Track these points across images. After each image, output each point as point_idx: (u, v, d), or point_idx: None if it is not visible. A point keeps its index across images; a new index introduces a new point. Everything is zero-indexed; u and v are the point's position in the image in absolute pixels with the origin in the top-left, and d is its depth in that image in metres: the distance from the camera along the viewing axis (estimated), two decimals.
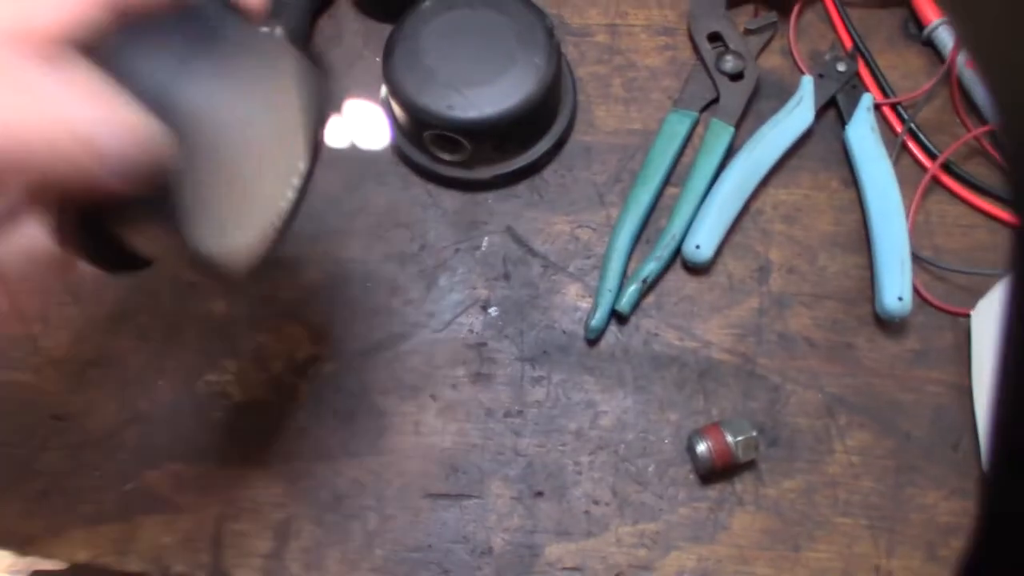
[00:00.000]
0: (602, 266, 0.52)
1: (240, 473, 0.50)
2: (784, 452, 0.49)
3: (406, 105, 0.52)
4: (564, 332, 0.52)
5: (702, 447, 0.47)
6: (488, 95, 0.51)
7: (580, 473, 0.49)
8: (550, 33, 0.52)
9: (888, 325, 0.51)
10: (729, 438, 0.47)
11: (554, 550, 0.47)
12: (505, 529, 0.48)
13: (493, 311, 0.52)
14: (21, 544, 0.51)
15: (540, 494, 0.49)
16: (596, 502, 0.48)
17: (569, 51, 0.57)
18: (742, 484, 0.48)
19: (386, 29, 0.59)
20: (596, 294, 0.51)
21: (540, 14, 0.53)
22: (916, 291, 0.51)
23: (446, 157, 0.53)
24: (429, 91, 0.51)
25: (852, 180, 0.54)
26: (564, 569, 0.47)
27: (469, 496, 0.49)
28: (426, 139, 0.53)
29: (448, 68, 0.52)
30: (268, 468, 0.50)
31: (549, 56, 0.52)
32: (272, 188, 0.33)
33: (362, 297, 0.53)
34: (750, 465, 0.48)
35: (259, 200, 0.32)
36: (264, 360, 0.52)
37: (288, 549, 0.49)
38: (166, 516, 0.50)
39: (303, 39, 0.58)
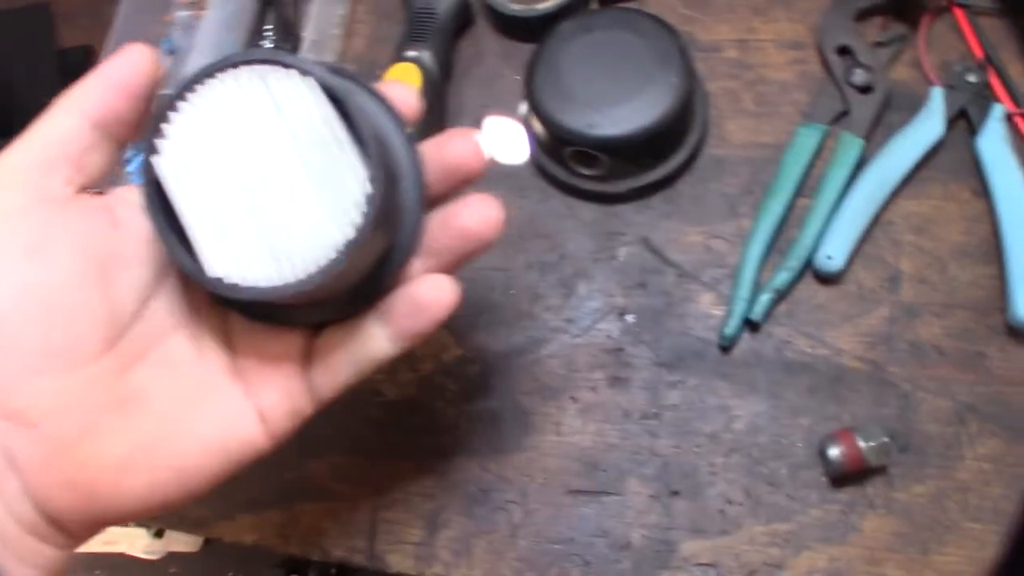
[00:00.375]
0: (735, 275, 0.54)
1: (393, 466, 0.54)
2: (914, 458, 0.50)
3: (548, 123, 0.55)
4: (698, 339, 0.54)
5: (834, 451, 0.49)
6: (626, 113, 0.54)
7: (715, 474, 0.51)
8: (685, 52, 0.55)
9: (1020, 335, 0.51)
10: (861, 443, 0.49)
11: (689, 546, 0.50)
12: (643, 525, 0.51)
13: (630, 318, 0.55)
14: (193, 526, 0.57)
15: (676, 493, 0.51)
16: (730, 502, 0.51)
17: (699, 66, 0.59)
18: (873, 488, 0.50)
19: (524, 49, 0.62)
20: (730, 302, 0.53)
21: (674, 34, 0.55)
22: None
23: (585, 172, 0.56)
24: (570, 110, 0.54)
25: (983, 191, 0.54)
26: (699, 565, 0.50)
27: (608, 493, 0.52)
28: (566, 155, 0.56)
29: (588, 88, 0.55)
30: (419, 462, 0.54)
31: (684, 74, 0.54)
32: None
33: (505, 303, 0.57)
34: (881, 470, 0.50)
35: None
36: (414, 361, 0.56)
37: (438, 538, 0.52)
38: (325, 504, 0.54)
39: (445, 59, 0.62)
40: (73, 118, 0.34)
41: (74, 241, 0.33)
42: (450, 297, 0.35)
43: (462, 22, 0.64)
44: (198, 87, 0.32)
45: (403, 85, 0.38)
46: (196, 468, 0.34)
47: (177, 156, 0.32)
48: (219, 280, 0.31)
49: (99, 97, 0.34)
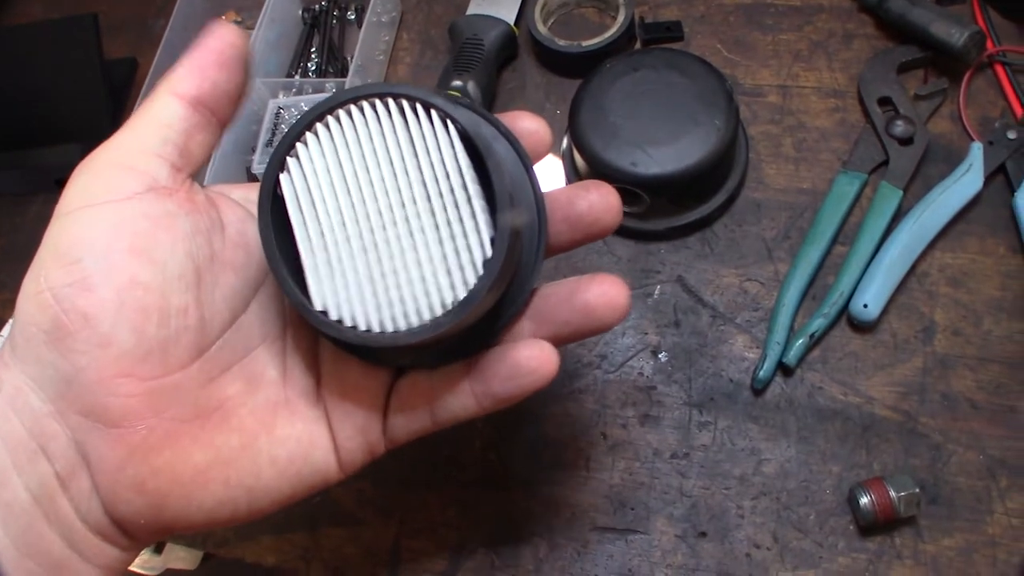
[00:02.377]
0: (770, 319, 0.54)
1: (419, 495, 0.54)
2: (944, 510, 0.50)
3: (591, 159, 0.55)
4: (731, 380, 0.54)
5: (865, 500, 0.49)
6: (670, 153, 0.54)
7: (743, 517, 0.51)
8: (730, 96, 0.55)
9: None
10: (892, 493, 0.48)
11: None
12: (668, 565, 0.51)
13: (663, 356, 0.55)
14: (215, 546, 0.56)
15: (703, 534, 0.51)
16: (757, 546, 0.50)
17: (742, 110, 0.60)
18: (901, 538, 0.50)
19: (566, 83, 0.63)
20: (764, 345, 0.54)
21: (721, 77, 0.56)
22: None
23: (624, 209, 0.56)
24: (614, 147, 0.55)
25: (1020, 247, 0.55)
26: None
27: (635, 531, 0.52)
28: None
29: (632, 126, 0.55)
30: (445, 492, 0.54)
31: (729, 118, 0.55)
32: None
33: None
34: (910, 520, 0.50)
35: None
36: None
37: (461, 568, 0.52)
38: (349, 529, 0.54)
39: (489, 90, 0.62)
40: (173, 100, 0.33)
41: (177, 241, 0.32)
42: (551, 368, 0.34)
43: (508, 54, 0.65)
44: (339, 111, 0.32)
45: (533, 117, 0.37)
46: (268, 489, 0.34)
47: (303, 178, 0.32)
48: (323, 316, 0.31)
49: (195, 74, 0.33)
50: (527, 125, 0.36)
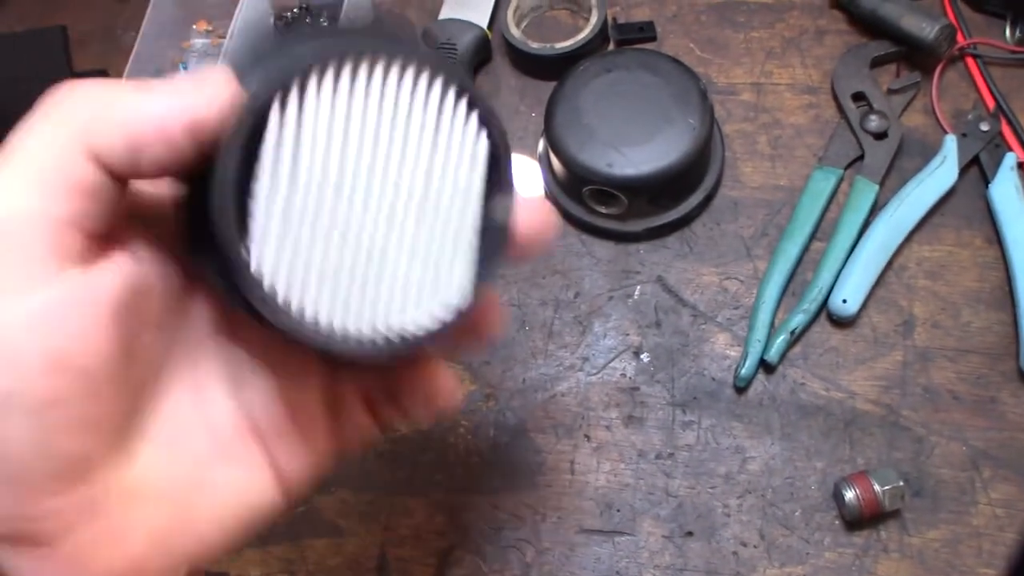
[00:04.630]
0: (751, 317, 0.54)
1: (403, 502, 0.54)
2: (928, 502, 0.50)
3: (567, 162, 0.55)
4: (713, 379, 0.54)
5: (850, 495, 0.49)
6: (646, 154, 0.54)
7: (729, 515, 0.51)
8: (704, 95, 0.55)
9: None
10: (877, 487, 0.49)
11: None
12: (656, 566, 0.51)
13: (645, 357, 0.55)
14: None
15: (690, 534, 0.51)
16: (744, 544, 0.50)
17: (716, 109, 0.60)
18: (887, 532, 0.50)
19: (540, 86, 0.63)
20: (745, 343, 0.54)
21: (694, 76, 0.56)
22: None
23: (602, 210, 0.57)
24: (590, 149, 0.55)
25: (996, 238, 0.55)
26: None
27: (622, 533, 0.52)
28: (584, 193, 0.56)
29: (607, 127, 0.55)
30: (430, 498, 0.54)
31: (703, 117, 0.55)
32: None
33: (519, 340, 0.56)
34: (895, 514, 0.50)
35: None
36: None
37: None
38: (333, 540, 0.54)
39: None
40: (84, 162, 0.25)
41: (101, 336, 0.25)
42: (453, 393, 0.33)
43: (481, 58, 0.65)
44: (377, 64, 0.26)
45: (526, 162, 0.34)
46: (213, 548, 0.30)
47: (297, 122, 0.26)
48: (265, 292, 0.26)
49: (122, 136, 0.25)
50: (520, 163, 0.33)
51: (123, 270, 0.26)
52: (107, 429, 0.27)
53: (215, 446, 0.30)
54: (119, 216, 0.27)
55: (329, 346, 0.27)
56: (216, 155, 0.25)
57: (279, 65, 0.25)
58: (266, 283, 0.26)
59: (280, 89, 0.25)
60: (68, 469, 0.26)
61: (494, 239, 0.28)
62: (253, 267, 0.25)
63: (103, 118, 0.25)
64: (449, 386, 0.33)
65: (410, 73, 0.27)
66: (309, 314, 0.26)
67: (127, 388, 0.27)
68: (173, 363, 0.30)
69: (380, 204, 0.27)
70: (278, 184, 0.25)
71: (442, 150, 0.27)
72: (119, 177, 0.25)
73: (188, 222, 0.27)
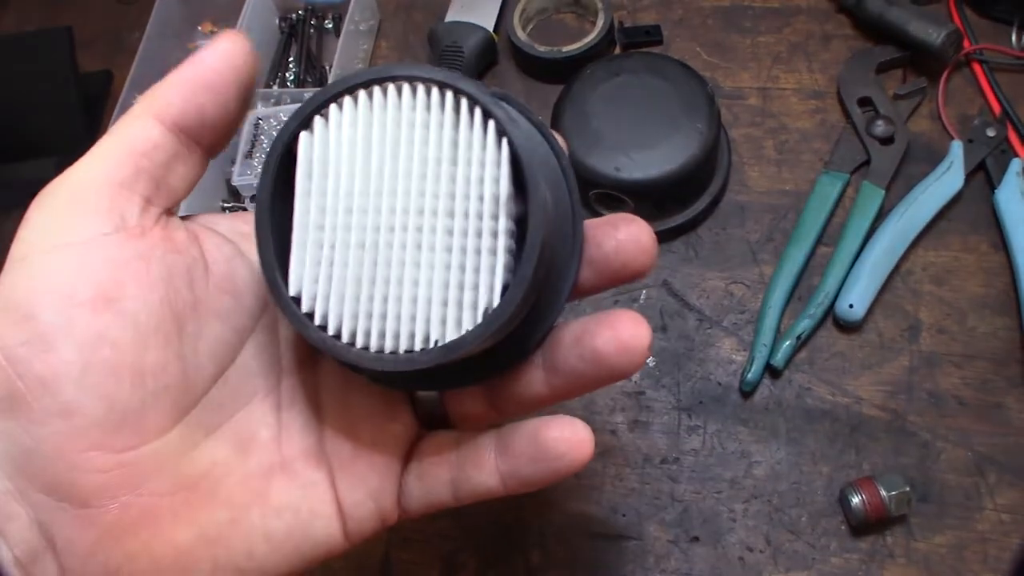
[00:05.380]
0: (757, 321, 0.54)
1: None
2: (934, 508, 0.50)
3: (574, 165, 0.54)
4: (719, 384, 0.54)
5: (856, 500, 0.49)
6: (653, 158, 0.54)
7: (735, 520, 0.51)
8: (711, 99, 0.55)
9: None
10: (883, 492, 0.49)
11: None
12: (662, 571, 0.51)
13: (651, 361, 0.55)
14: None
15: (696, 539, 0.51)
16: (750, 549, 0.50)
17: (723, 113, 0.60)
18: (893, 537, 0.50)
19: (546, 89, 0.63)
20: (751, 348, 0.54)
21: (701, 81, 0.56)
22: None
23: (608, 213, 0.57)
24: (597, 153, 0.54)
25: (1002, 243, 0.55)
26: None
27: (627, 538, 0.51)
28: (591, 197, 0.56)
29: (614, 131, 0.55)
30: None
31: (710, 121, 0.55)
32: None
33: None
34: (901, 519, 0.50)
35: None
36: None
37: None
38: None
39: None
40: (150, 124, 0.28)
41: (151, 288, 0.27)
42: (584, 452, 0.30)
43: (487, 61, 0.65)
44: (389, 84, 0.27)
45: (635, 226, 0.31)
46: (261, 568, 0.29)
47: (325, 144, 0.28)
48: (306, 317, 0.27)
49: (181, 95, 0.28)
50: (623, 236, 0.31)
51: (179, 242, 0.29)
52: (161, 391, 0.28)
53: (281, 461, 0.30)
54: (189, 184, 0.30)
55: (362, 362, 0.27)
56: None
57: (307, 102, 0.28)
58: (303, 304, 0.27)
59: (307, 115, 0.27)
60: (118, 418, 0.27)
61: (530, 241, 0.27)
62: (291, 289, 0.27)
63: (164, 83, 0.29)
64: (557, 445, 0.30)
65: (421, 89, 0.27)
66: (345, 332, 0.27)
67: (181, 359, 0.28)
68: (255, 371, 0.31)
69: (406, 220, 0.27)
70: (308, 206, 0.27)
71: (464, 164, 0.27)
72: (187, 134, 0.29)
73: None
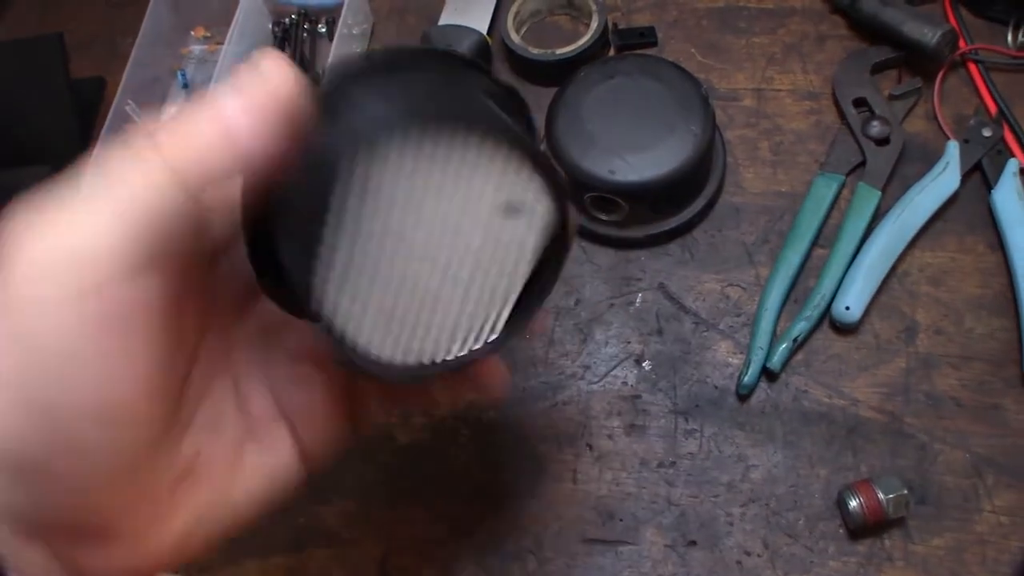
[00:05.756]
0: (753, 324, 0.54)
1: (405, 512, 0.54)
2: (932, 510, 0.50)
3: (569, 168, 0.55)
4: (716, 387, 0.54)
5: (854, 503, 0.49)
6: (648, 160, 0.54)
7: (732, 524, 0.51)
8: (706, 101, 0.55)
9: None
10: (881, 495, 0.48)
11: None
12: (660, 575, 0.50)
13: (647, 365, 0.55)
14: (198, 572, 0.55)
15: (693, 543, 0.51)
16: (748, 553, 0.50)
17: (717, 114, 0.60)
18: (891, 540, 0.50)
19: (541, 91, 0.63)
20: (748, 351, 0.53)
21: (696, 83, 0.56)
22: None
23: (603, 217, 0.56)
24: (591, 156, 0.54)
25: (998, 244, 0.55)
26: None
27: (625, 543, 0.51)
28: (585, 200, 0.56)
29: (609, 133, 0.55)
30: (431, 508, 0.53)
31: (705, 123, 0.54)
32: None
33: (520, 348, 0.56)
34: (899, 522, 0.49)
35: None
36: None
37: None
38: (335, 550, 0.53)
39: None
40: (170, 188, 0.25)
41: (163, 332, 0.27)
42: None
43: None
44: (471, 138, 0.28)
45: None
46: (245, 520, 0.33)
47: (388, 165, 0.27)
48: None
49: (213, 159, 0.25)
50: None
51: (172, 273, 0.27)
52: (161, 411, 0.28)
53: (248, 429, 0.33)
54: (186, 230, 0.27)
55: (373, 371, 0.30)
56: (283, 194, 0.27)
57: (361, 118, 0.27)
58: (325, 318, 0.28)
59: (357, 145, 0.26)
60: (128, 447, 0.27)
61: (537, 290, 0.31)
62: (318, 305, 0.28)
63: (194, 133, 0.25)
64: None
65: (478, 140, 0.28)
66: (362, 346, 0.29)
67: (177, 377, 0.30)
68: (210, 354, 0.32)
69: (438, 256, 0.29)
70: (344, 232, 0.27)
71: (497, 233, 0.30)
72: (195, 189, 0.25)
73: (254, 248, 0.30)
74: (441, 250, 0.29)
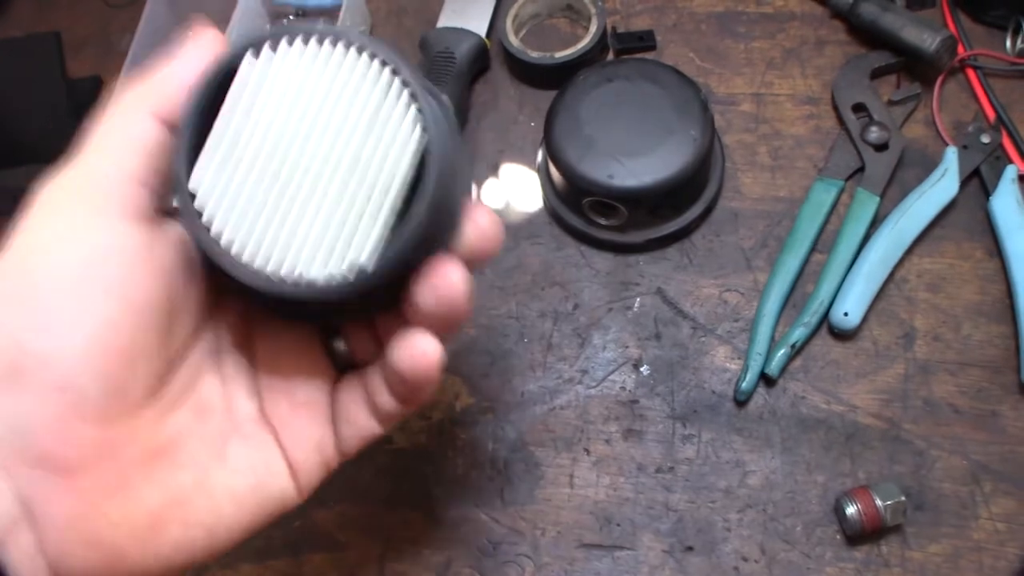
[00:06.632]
0: (751, 329, 0.54)
1: (402, 515, 0.53)
2: (930, 516, 0.50)
3: (567, 173, 0.55)
4: (714, 392, 0.54)
5: (851, 509, 0.49)
6: (647, 165, 0.54)
7: (729, 530, 0.51)
8: (705, 106, 0.55)
9: None
10: (879, 502, 0.48)
11: None
12: None
13: (645, 370, 0.55)
14: (196, 574, 0.55)
15: (690, 549, 0.51)
16: (745, 559, 0.50)
17: (716, 119, 0.60)
18: (888, 546, 0.50)
19: (539, 95, 0.63)
20: (746, 357, 0.53)
21: (695, 87, 0.56)
22: None
23: (602, 221, 0.56)
24: (590, 160, 0.54)
25: (997, 250, 0.55)
26: None
27: (622, 548, 0.51)
28: (584, 204, 0.55)
29: (608, 138, 0.55)
30: (428, 512, 0.53)
31: (704, 128, 0.54)
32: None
33: (518, 352, 0.56)
34: (896, 528, 0.49)
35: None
36: (425, 409, 0.56)
37: None
38: (332, 553, 0.53)
39: (462, 104, 0.62)
40: (148, 120, 0.31)
41: (155, 281, 0.30)
42: (429, 364, 0.33)
43: (480, 67, 0.64)
44: (339, 42, 0.30)
45: (489, 219, 0.35)
46: (228, 525, 0.32)
47: (264, 75, 0.30)
48: (213, 235, 0.30)
49: (174, 94, 0.31)
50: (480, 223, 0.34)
51: (177, 236, 0.32)
52: (147, 372, 0.30)
53: (234, 425, 0.34)
54: None
55: (238, 274, 0.30)
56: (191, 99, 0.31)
57: (259, 36, 0.30)
58: (204, 215, 0.30)
59: (259, 41, 0.30)
60: (106, 394, 0.29)
61: (413, 223, 0.30)
62: (192, 189, 0.30)
63: (157, 79, 0.31)
64: (411, 365, 0.33)
65: (366, 57, 0.30)
66: (238, 251, 0.30)
67: (167, 345, 0.32)
68: (208, 350, 0.34)
69: (310, 166, 0.30)
70: (230, 122, 0.30)
71: (376, 135, 0.30)
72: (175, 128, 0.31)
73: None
74: (313, 159, 0.30)
